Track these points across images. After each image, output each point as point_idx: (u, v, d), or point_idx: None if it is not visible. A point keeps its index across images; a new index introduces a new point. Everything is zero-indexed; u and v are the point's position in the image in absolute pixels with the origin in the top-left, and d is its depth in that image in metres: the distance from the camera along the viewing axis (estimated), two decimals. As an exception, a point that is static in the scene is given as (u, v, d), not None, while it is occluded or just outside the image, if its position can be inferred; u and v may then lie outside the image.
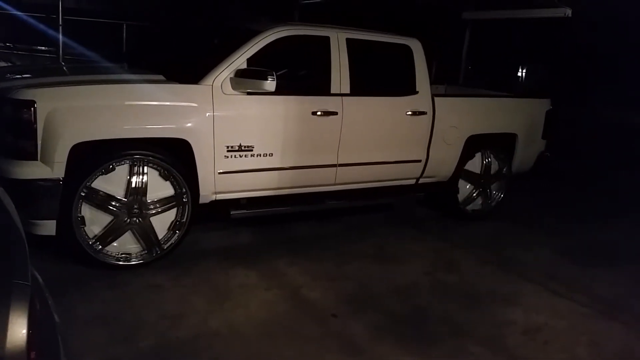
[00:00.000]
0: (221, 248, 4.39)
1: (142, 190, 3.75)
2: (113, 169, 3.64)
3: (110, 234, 3.75)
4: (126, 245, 3.83)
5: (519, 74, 12.78)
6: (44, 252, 3.74)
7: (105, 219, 3.74)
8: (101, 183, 3.64)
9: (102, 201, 3.68)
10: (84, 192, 3.57)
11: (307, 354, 3.01)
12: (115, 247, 3.79)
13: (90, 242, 3.68)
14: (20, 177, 3.37)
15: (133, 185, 3.72)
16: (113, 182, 3.69)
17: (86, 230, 3.68)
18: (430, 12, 10.09)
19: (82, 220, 3.64)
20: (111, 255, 3.77)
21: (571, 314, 3.81)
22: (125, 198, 3.73)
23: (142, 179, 3.74)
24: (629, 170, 8.44)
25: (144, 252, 3.87)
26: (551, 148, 6.18)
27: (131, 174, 3.71)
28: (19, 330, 1.36)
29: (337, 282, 3.94)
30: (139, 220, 3.79)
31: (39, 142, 3.39)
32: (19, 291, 1.40)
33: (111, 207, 3.71)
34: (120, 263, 3.79)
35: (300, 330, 3.24)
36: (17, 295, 1.39)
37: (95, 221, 3.72)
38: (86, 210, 3.66)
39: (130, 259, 3.83)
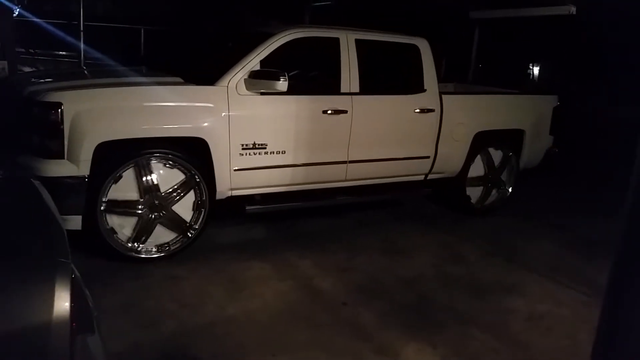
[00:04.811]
0: (237, 242, 4.59)
1: (154, 186, 3.94)
2: (120, 177, 3.82)
3: (142, 232, 3.97)
4: (161, 237, 4.06)
5: (529, 71, 12.83)
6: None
7: (132, 221, 3.96)
8: (115, 193, 3.84)
9: (122, 208, 3.90)
10: (103, 206, 3.78)
11: (319, 339, 3.18)
12: (152, 242, 4.03)
13: (128, 246, 3.93)
14: (48, 175, 3.58)
15: (144, 184, 3.91)
16: (125, 189, 3.88)
17: (120, 236, 3.92)
18: (440, 12, 10.19)
19: (113, 230, 3.88)
20: (151, 250, 4.02)
21: (574, 303, 3.94)
22: (141, 198, 3.93)
23: (150, 176, 3.91)
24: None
25: (180, 237, 4.10)
26: (559, 144, 6.28)
27: (138, 176, 3.88)
28: (62, 303, 1.54)
29: (347, 273, 4.11)
30: (162, 213, 4.00)
31: (66, 142, 3.61)
32: (62, 268, 1.59)
33: (133, 210, 3.93)
34: (163, 254, 4.04)
35: (313, 317, 3.42)
36: (60, 271, 1.58)
37: (124, 225, 3.95)
38: (113, 220, 3.89)
39: (171, 247, 4.07)
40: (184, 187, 4.07)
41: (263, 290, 3.75)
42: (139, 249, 3.97)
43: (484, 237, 5.17)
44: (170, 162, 3.97)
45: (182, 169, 4.02)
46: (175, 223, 4.07)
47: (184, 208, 4.11)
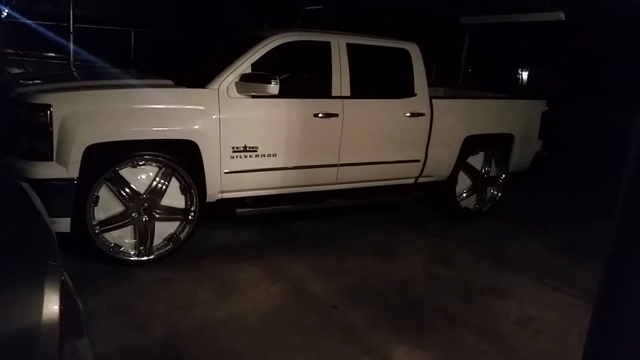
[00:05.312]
0: (227, 245, 4.58)
1: (133, 191, 3.91)
2: (98, 197, 3.79)
3: (144, 236, 3.97)
4: (167, 230, 4.09)
5: (519, 76, 12.94)
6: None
7: (129, 229, 3.97)
8: (101, 213, 3.83)
9: (116, 222, 3.89)
10: (96, 230, 3.79)
11: (309, 342, 3.18)
12: (159, 238, 4.05)
13: (135, 252, 3.96)
14: (37, 177, 3.55)
15: (123, 194, 3.88)
16: (107, 205, 3.86)
17: (126, 247, 3.95)
18: (431, 17, 10.26)
19: (117, 245, 3.90)
20: (161, 247, 4.05)
21: (563, 306, 3.97)
22: (127, 207, 3.91)
23: (124, 185, 3.87)
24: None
25: (184, 224, 4.12)
26: (549, 148, 6.34)
27: (113, 189, 3.86)
28: (52, 306, 1.53)
29: (337, 276, 4.11)
30: (155, 212, 4.00)
31: (55, 144, 3.59)
32: (51, 271, 1.58)
33: (126, 221, 3.93)
34: (178, 245, 4.10)
35: (303, 320, 3.42)
36: (50, 274, 1.57)
37: (123, 236, 3.96)
38: (113, 236, 3.90)
39: (180, 236, 4.10)
40: (163, 179, 4.01)
41: (254, 293, 3.74)
42: (148, 250, 3.99)
43: (475, 241, 5.20)
44: (140, 162, 3.91)
45: (154, 163, 3.96)
46: (172, 214, 4.08)
47: (174, 197, 4.09)
